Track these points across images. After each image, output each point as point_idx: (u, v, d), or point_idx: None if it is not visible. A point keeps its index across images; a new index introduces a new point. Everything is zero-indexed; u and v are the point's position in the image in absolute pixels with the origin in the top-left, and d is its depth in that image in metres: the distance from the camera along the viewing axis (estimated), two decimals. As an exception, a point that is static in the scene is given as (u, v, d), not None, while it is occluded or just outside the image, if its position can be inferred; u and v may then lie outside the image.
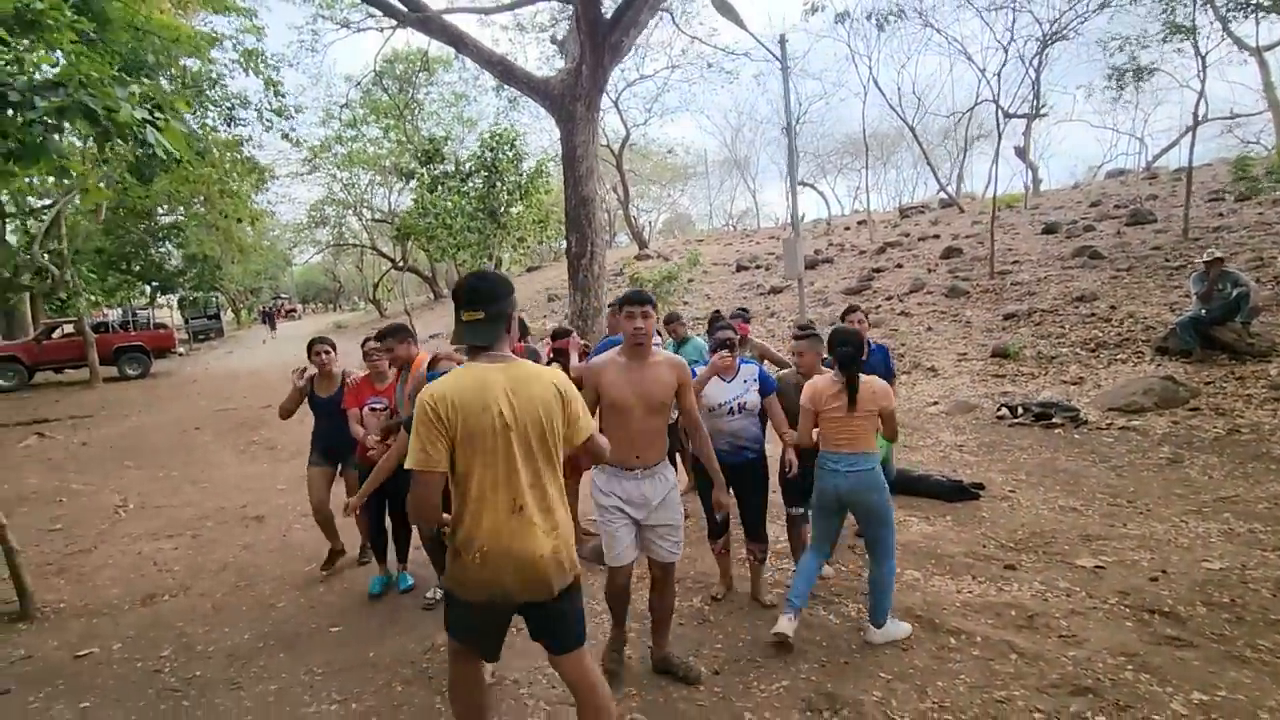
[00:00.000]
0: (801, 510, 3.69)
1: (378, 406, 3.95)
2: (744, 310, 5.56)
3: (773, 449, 3.71)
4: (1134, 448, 5.78)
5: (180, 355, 21.66)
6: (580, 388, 4.25)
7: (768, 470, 3.56)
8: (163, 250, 22.94)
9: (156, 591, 4.26)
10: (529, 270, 30.59)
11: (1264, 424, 5.81)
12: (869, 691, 2.77)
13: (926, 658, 3.00)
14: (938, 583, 3.68)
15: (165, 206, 14.82)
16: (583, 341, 4.94)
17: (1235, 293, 7.15)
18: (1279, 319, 7.68)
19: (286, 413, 4.29)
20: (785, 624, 3.10)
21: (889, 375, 4.20)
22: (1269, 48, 19.16)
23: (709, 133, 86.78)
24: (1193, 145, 12.28)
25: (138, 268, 22.28)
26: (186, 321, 29.55)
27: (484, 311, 1.93)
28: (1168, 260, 10.43)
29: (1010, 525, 4.40)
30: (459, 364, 2.54)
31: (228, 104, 14.22)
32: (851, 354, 3.08)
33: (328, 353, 4.26)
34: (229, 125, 14.74)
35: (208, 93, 14.19)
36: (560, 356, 4.46)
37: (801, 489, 3.54)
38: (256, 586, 4.26)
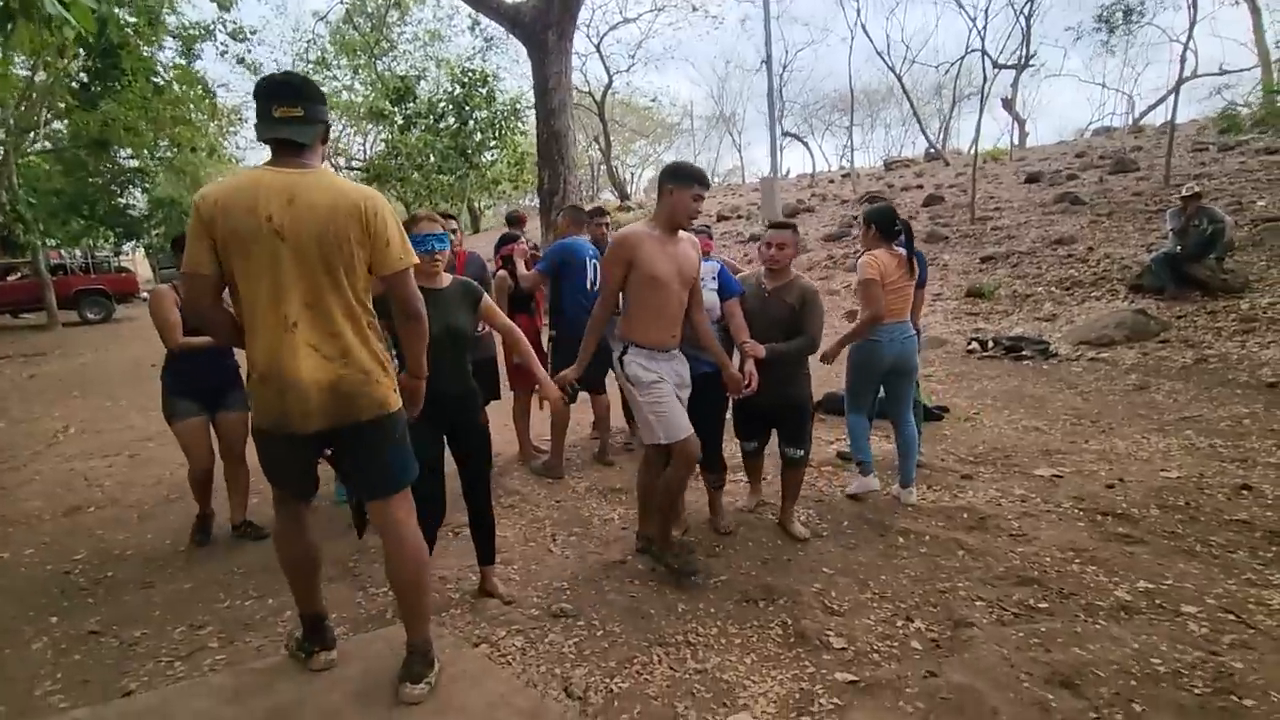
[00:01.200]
0: (755, 445, 3.29)
1: None
2: (706, 228, 5.25)
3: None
4: (1102, 376, 5.70)
5: (144, 300, 21.07)
6: (532, 294, 3.93)
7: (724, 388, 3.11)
8: (128, 196, 22.09)
9: (82, 504, 4.06)
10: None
11: (1232, 354, 5.75)
12: (808, 584, 2.66)
13: (873, 554, 2.90)
14: (893, 491, 3.57)
15: (121, 140, 14.05)
16: (530, 248, 4.67)
17: (1211, 228, 7.03)
18: (1253, 258, 7.60)
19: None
20: (873, 481, 3.50)
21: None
22: (1262, -4, 18.78)
23: (695, 83, 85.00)
24: (1177, 93, 12.04)
25: (101, 212, 21.45)
26: (155, 270, 28.68)
27: (304, 109, 1.72)
28: (1147, 205, 10.29)
29: (971, 442, 4.31)
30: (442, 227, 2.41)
31: (186, 33, 13.48)
32: (910, 227, 3.43)
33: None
34: (186, 58, 14.03)
35: (163, 22, 13.44)
36: (507, 264, 4.24)
37: (758, 417, 3.15)
38: (189, 498, 4.06)
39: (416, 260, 1.94)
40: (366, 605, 2.69)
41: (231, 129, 20.77)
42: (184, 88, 14.28)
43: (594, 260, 4.02)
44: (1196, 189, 7.22)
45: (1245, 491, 3.29)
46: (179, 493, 4.19)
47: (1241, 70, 22.27)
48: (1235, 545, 2.78)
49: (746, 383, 2.75)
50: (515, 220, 5.46)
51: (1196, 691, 1.91)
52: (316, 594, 2.09)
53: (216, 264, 1.69)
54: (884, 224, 3.39)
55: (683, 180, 2.58)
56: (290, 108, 1.71)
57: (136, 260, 27.17)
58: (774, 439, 3.24)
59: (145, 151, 18.39)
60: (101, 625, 2.64)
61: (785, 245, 2.97)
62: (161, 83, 13.05)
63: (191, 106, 13.57)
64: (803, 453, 3.08)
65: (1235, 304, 6.69)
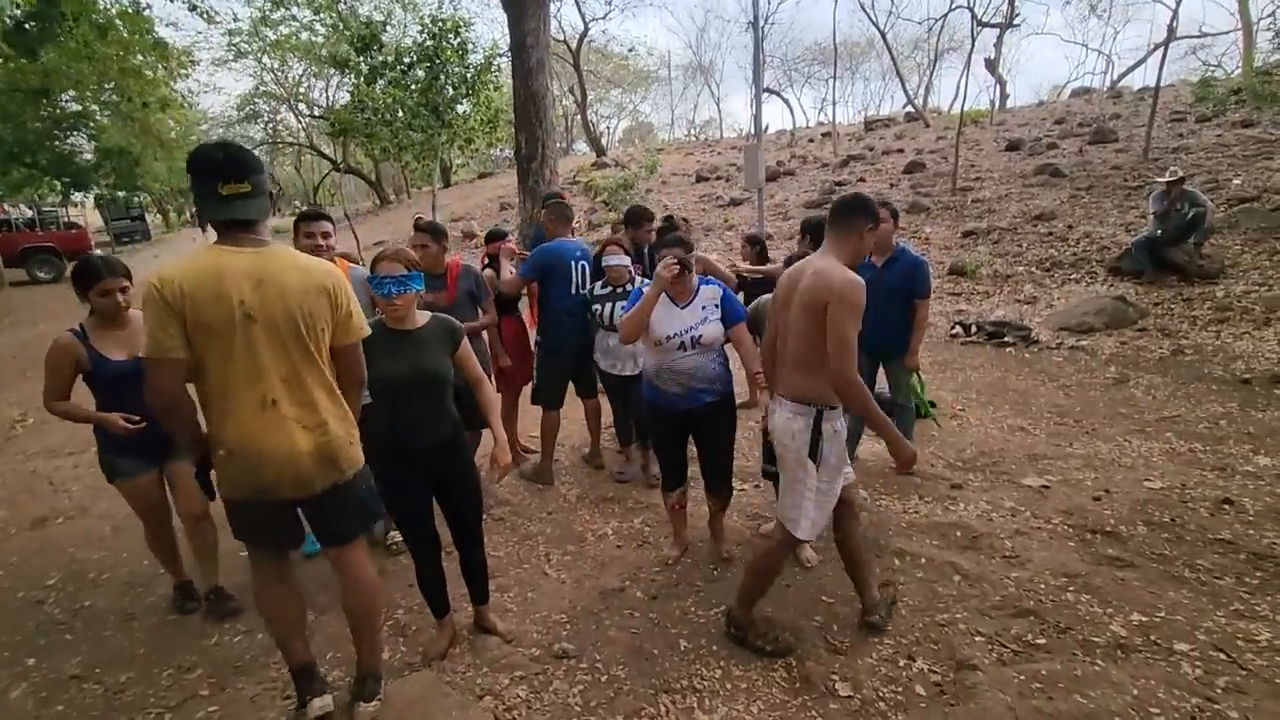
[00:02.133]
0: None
1: None
2: (677, 225, 4.97)
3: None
4: (1082, 367, 5.78)
5: (100, 259, 20.13)
6: (516, 297, 3.82)
7: (734, 411, 2.94)
8: (71, 143, 20.77)
9: (49, 514, 3.89)
10: (480, 176, 29.07)
11: (1206, 345, 5.86)
12: (809, 616, 2.66)
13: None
14: (885, 503, 3.59)
15: (64, 89, 13.11)
16: (517, 250, 4.44)
17: (1192, 213, 7.07)
18: (1229, 241, 7.71)
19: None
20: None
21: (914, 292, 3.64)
22: (1246, -40, 18.65)
23: (673, 31, 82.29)
24: (1164, 59, 11.99)
25: (44, 161, 20.18)
26: (107, 223, 27.29)
27: (250, 183, 1.73)
28: (1126, 180, 10.33)
29: (959, 445, 4.34)
30: (408, 267, 2.22)
31: (128, -31, 12.42)
32: None
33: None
34: (131, -2, 12.96)
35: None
36: (492, 263, 4.06)
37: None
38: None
39: (368, 331, 2.01)
40: (362, 642, 2.62)
41: (183, 71, 19.52)
42: (130, 30, 13.28)
43: (581, 263, 3.82)
44: (1180, 174, 7.23)
45: (1227, 506, 3.36)
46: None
47: (1221, 34, 22.27)
48: (1221, 570, 2.85)
49: (764, 415, 2.51)
50: (497, 235, 4.79)
51: (1196, 748, 1.96)
52: (305, 643, 2.12)
53: (188, 347, 1.68)
54: (817, 234, 3.59)
55: (873, 216, 2.26)
56: (238, 184, 1.70)
57: (87, 213, 25.82)
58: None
59: (88, 94, 17.23)
60: (83, 668, 2.55)
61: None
62: (103, 21, 12.09)
63: (140, 56, 12.62)
64: None
65: (1211, 291, 6.80)
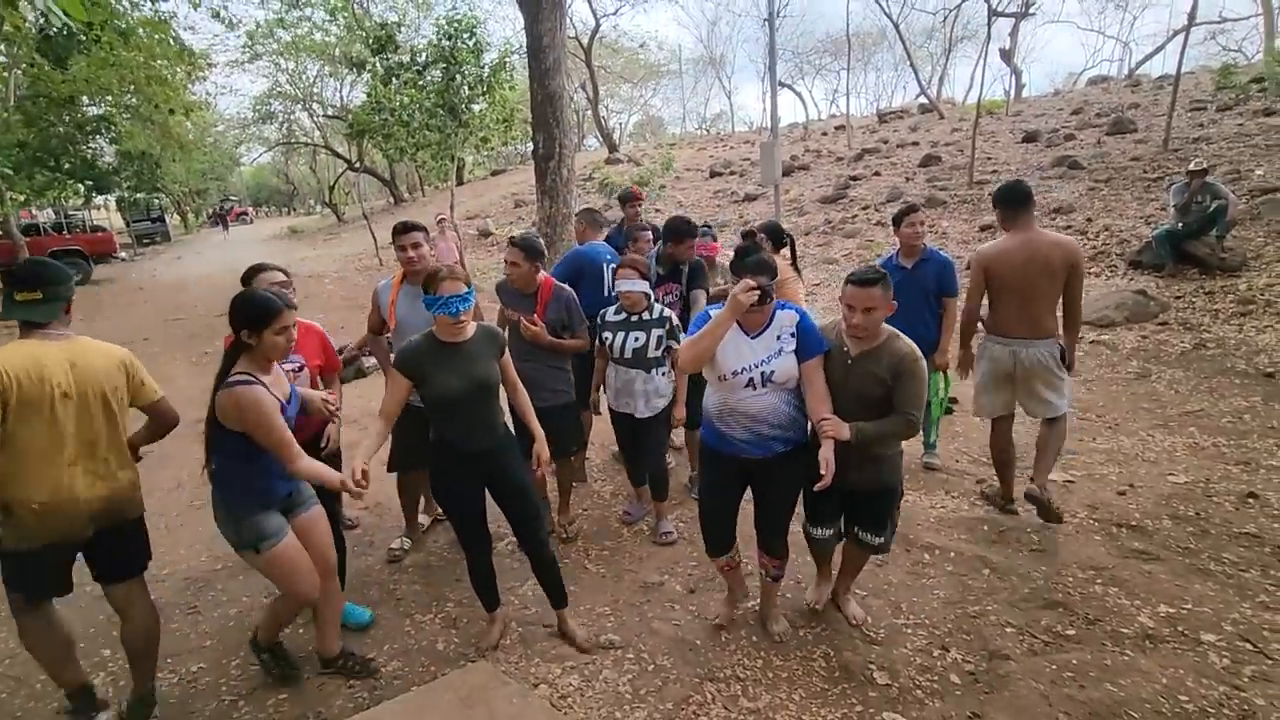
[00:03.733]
0: (829, 532, 2.62)
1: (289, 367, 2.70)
2: (708, 227, 4.58)
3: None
4: (1104, 362, 5.82)
5: (123, 260, 20.51)
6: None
7: (804, 461, 2.38)
8: (93, 146, 21.12)
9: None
10: (494, 174, 29.21)
11: (1229, 339, 5.87)
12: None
13: (901, 574, 3.01)
14: (912, 498, 3.67)
15: (91, 97, 13.37)
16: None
17: (1214, 205, 7.06)
18: (1251, 233, 7.67)
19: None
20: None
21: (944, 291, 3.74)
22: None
23: (684, 26, 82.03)
24: (1184, 47, 11.87)
25: (67, 165, 20.52)
26: (128, 224, 27.74)
27: (43, 292, 2.11)
28: (1146, 172, 10.27)
29: (982, 440, 4.37)
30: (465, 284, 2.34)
31: (149, -24, 12.63)
32: (794, 240, 3.90)
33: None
34: (153, 1, 13.18)
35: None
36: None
37: (834, 500, 2.50)
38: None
39: (161, 395, 2.39)
40: (415, 635, 2.76)
41: (200, 74, 19.80)
42: (151, 34, 13.51)
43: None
44: (1204, 164, 7.21)
45: (1251, 500, 3.42)
46: (202, 498, 4.20)
47: (1242, 19, 21.92)
48: (1247, 563, 2.92)
49: (822, 472, 2.16)
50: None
51: (1224, 733, 2.04)
52: (77, 666, 2.38)
53: (3, 423, 2.01)
54: (775, 236, 3.99)
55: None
56: (30, 293, 2.09)
57: (110, 216, 26.25)
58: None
59: (109, 98, 17.53)
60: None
61: (874, 308, 2.23)
62: (125, 27, 12.32)
63: (162, 62, 12.85)
64: (880, 540, 2.53)
65: (1233, 284, 6.79)
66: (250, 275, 2.80)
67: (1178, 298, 6.83)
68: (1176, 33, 12.41)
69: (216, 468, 2.22)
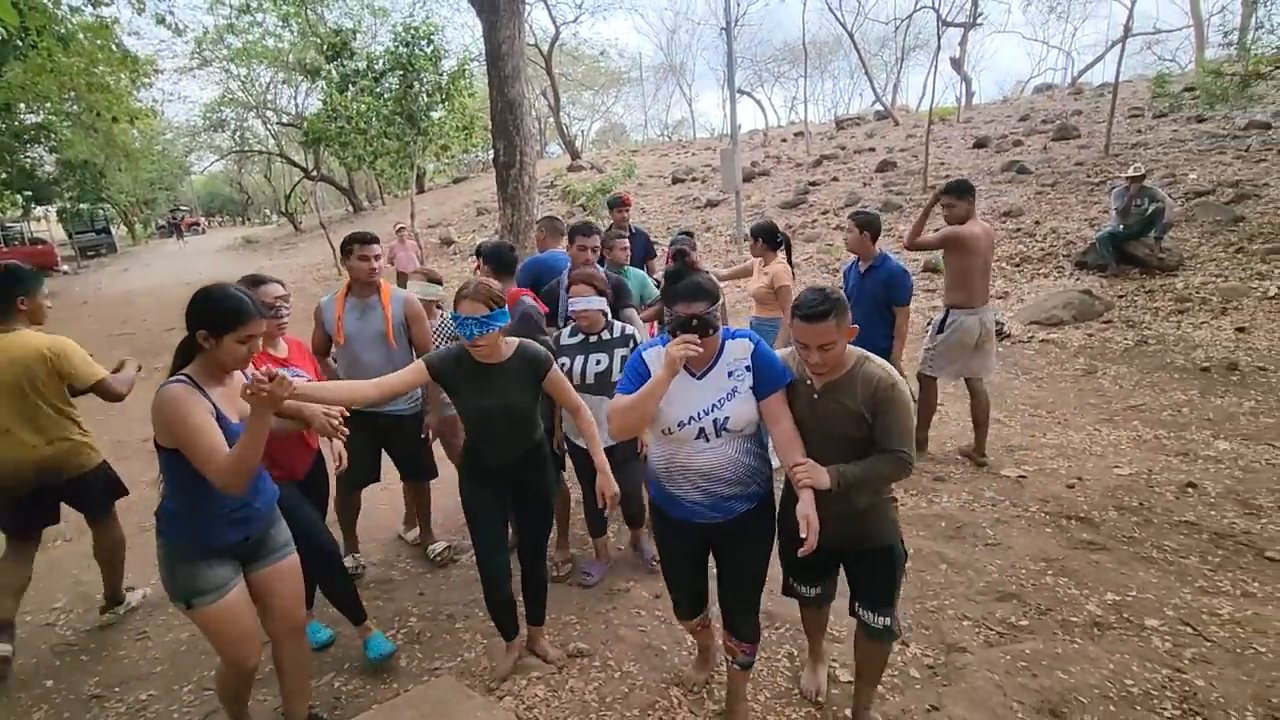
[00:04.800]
0: (817, 590, 2.19)
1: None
2: (688, 234, 4.56)
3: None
4: (1053, 360, 6.03)
5: (65, 274, 19.70)
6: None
7: (773, 519, 2.08)
8: (32, 155, 20.30)
9: (47, 536, 3.87)
10: (455, 181, 28.91)
11: (1168, 335, 6.14)
12: (808, 608, 2.80)
13: (862, 571, 3.06)
14: (872, 497, 3.74)
15: (28, 104, 12.84)
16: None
17: (1152, 208, 7.39)
18: (1187, 235, 8.04)
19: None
20: None
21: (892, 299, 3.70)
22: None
23: (644, 34, 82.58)
24: (1121, 58, 12.41)
25: (4, 175, 19.69)
26: (71, 236, 26.69)
27: None
28: (1089, 176, 10.70)
29: (940, 438, 4.52)
30: (490, 305, 2.12)
31: (90, -21, 12.20)
32: (789, 240, 3.98)
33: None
34: (93, 5, 12.74)
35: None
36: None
37: (820, 557, 1.87)
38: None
39: (101, 374, 2.82)
40: (369, 667, 2.70)
41: (146, 80, 19.22)
42: (93, 39, 13.04)
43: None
44: (1141, 170, 7.54)
45: (1190, 489, 3.58)
46: (153, 519, 4.05)
47: (1175, 30, 23.04)
48: (1186, 550, 3.05)
49: (803, 534, 1.76)
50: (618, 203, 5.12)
51: (1167, 715, 2.13)
52: (14, 605, 2.80)
53: None
54: (769, 237, 4.09)
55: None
56: None
57: (51, 228, 25.22)
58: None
59: (49, 107, 16.87)
60: (102, 687, 2.59)
61: (832, 342, 1.80)
62: (64, 32, 11.88)
63: (104, 68, 12.41)
64: (887, 621, 2.00)
65: (1171, 283, 7.11)
66: (251, 286, 2.53)
67: (1120, 297, 7.12)
68: (1114, 44, 13.00)
69: (162, 497, 1.91)
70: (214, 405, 1.83)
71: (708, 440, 1.93)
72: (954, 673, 2.38)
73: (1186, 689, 2.22)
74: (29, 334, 2.71)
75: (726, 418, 1.90)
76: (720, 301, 1.93)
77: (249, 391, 1.63)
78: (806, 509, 1.78)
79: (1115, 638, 2.51)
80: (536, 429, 2.41)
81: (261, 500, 2.00)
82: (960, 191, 4.00)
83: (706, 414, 1.91)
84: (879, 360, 1.92)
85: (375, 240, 3.09)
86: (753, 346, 1.95)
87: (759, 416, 1.95)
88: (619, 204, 5.10)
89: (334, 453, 2.40)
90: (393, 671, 2.58)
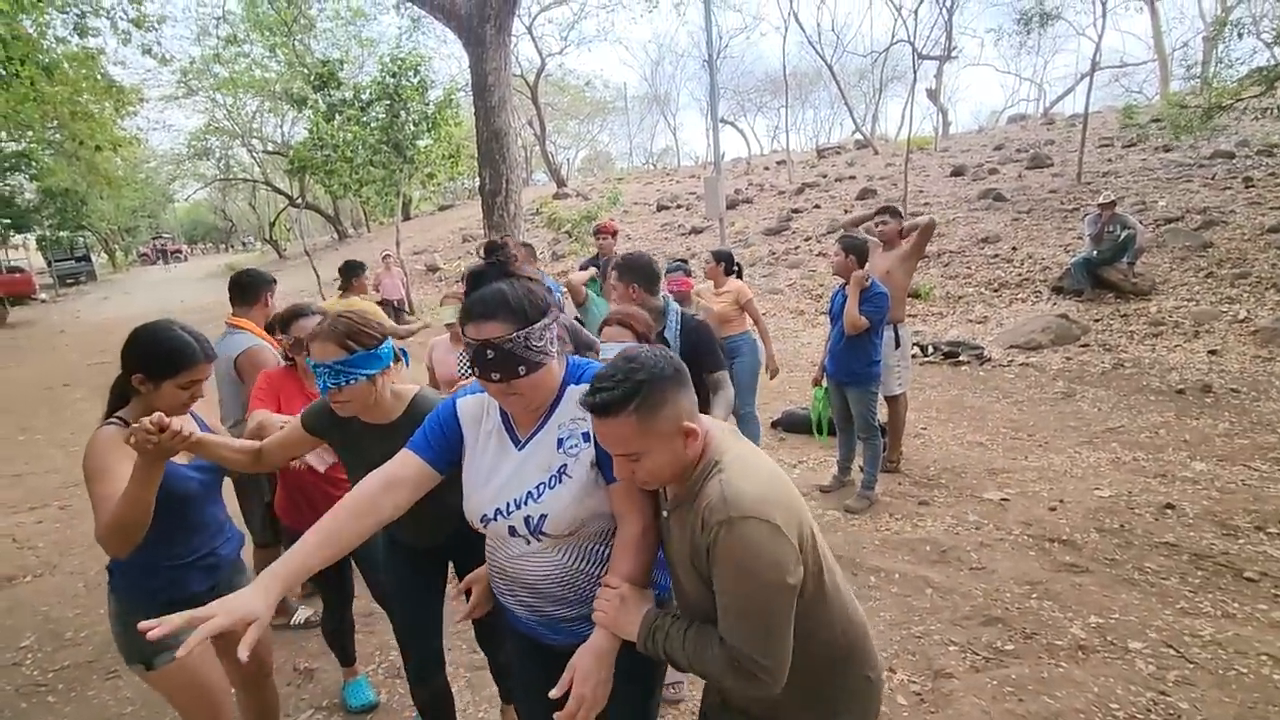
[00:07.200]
0: None
1: None
2: (683, 262, 4.35)
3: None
4: (1032, 383, 6.11)
5: (43, 302, 19.46)
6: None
7: (634, 660, 1.27)
8: (11, 183, 20.15)
9: (16, 573, 3.78)
10: (441, 209, 29.06)
11: (1144, 359, 6.26)
12: (794, 635, 2.78)
13: (848, 597, 3.05)
14: (858, 522, 3.75)
15: (10, 133, 12.79)
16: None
17: (1124, 234, 7.59)
18: (1159, 260, 8.25)
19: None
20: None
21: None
22: (1158, -2, 20.15)
23: (628, 65, 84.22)
24: (1090, 90, 12.83)
25: (-19, 203, 19.53)
26: (50, 264, 26.39)
27: None
28: (1063, 203, 10.97)
29: (923, 461, 4.55)
30: (350, 347, 1.65)
31: (75, 9, 12.27)
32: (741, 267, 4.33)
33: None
34: (79, 36, 12.79)
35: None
36: None
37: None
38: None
39: None
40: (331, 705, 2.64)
41: (130, 109, 19.24)
42: (78, 69, 13.06)
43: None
44: (1112, 198, 7.76)
45: (1169, 510, 3.62)
46: (126, 553, 3.96)
47: (1141, 64, 23.88)
48: (1167, 571, 3.07)
49: (552, 692, 1.17)
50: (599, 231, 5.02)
51: (1152, 738, 2.13)
52: None
53: None
54: (729, 262, 4.53)
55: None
56: None
57: (30, 255, 24.94)
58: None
59: (30, 133, 16.82)
60: (70, 730, 2.50)
61: (636, 453, 1.14)
62: (49, 61, 11.90)
63: (88, 97, 12.42)
64: None
65: (1145, 307, 7.27)
66: (287, 320, 2.39)
67: (1096, 320, 7.26)
68: (1083, 76, 13.44)
69: None
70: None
71: (528, 543, 1.32)
72: (941, 699, 2.37)
73: (1171, 711, 2.22)
74: None
75: (543, 516, 1.27)
76: (545, 323, 1.24)
77: (132, 441, 1.38)
78: (583, 659, 1.17)
79: (1100, 661, 2.52)
80: (448, 517, 1.69)
81: (228, 546, 1.86)
82: (893, 212, 4.47)
83: (516, 507, 1.29)
84: (732, 479, 1.10)
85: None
86: (582, 416, 1.28)
87: (605, 503, 1.29)
88: (597, 232, 4.95)
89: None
90: (374, 711, 2.52)
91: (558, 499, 1.28)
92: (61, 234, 25.05)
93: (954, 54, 20.26)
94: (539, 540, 1.31)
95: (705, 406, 2.50)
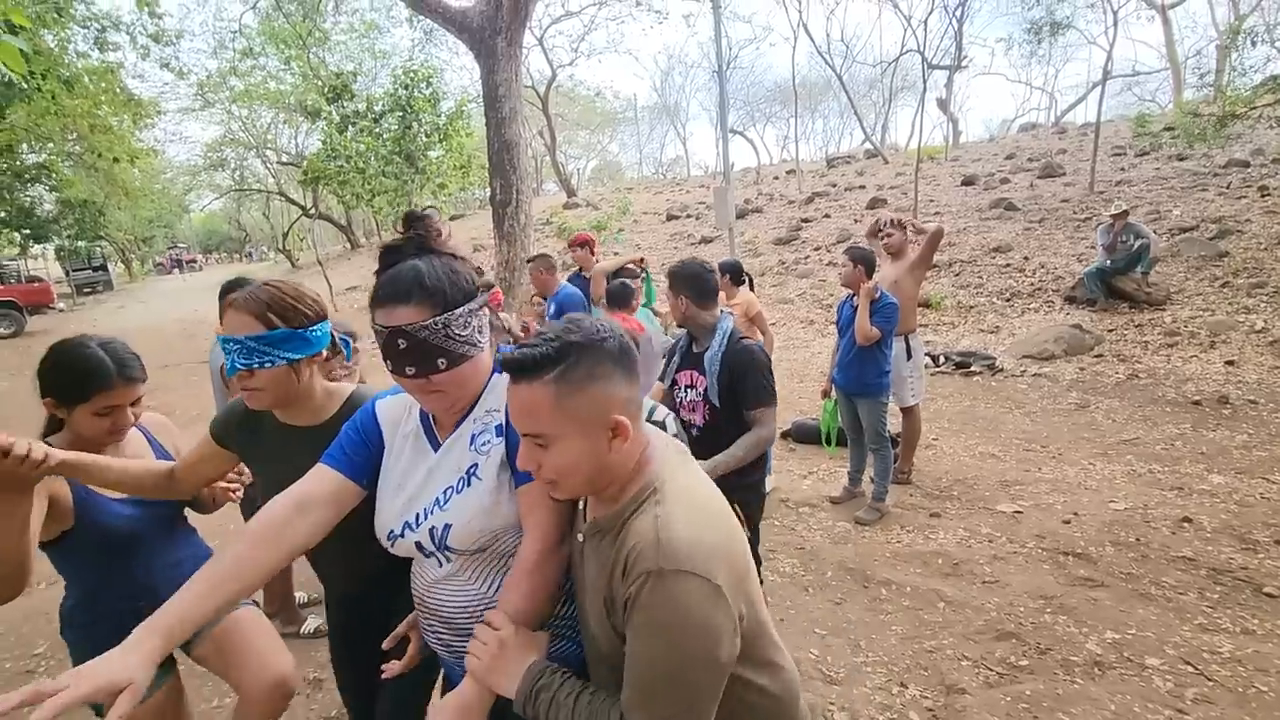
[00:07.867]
0: None
1: None
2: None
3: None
4: (1045, 394, 6.05)
5: (61, 311, 19.73)
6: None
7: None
8: (32, 194, 20.49)
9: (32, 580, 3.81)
10: (452, 218, 29.24)
11: (1159, 369, 6.19)
12: (805, 650, 2.76)
13: (860, 610, 3.02)
14: (869, 534, 3.72)
15: (30, 144, 13.04)
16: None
17: (1137, 244, 7.52)
18: (1173, 270, 8.17)
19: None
20: None
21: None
22: (1173, 5, 20.08)
23: (638, 76, 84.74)
24: (1102, 99, 12.81)
25: (3, 213, 19.85)
26: (68, 274, 26.78)
27: None
28: (1075, 213, 10.91)
29: (935, 473, 4.51)
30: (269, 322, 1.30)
31: (96, 24, 12.54)
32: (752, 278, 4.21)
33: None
34: (99, 50, 13.06)
35: (71, 10, 12.46)
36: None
37: None
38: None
39: None
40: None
41: (148, 121, 19.56)
42: (97, 82, 13.34)
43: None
44: (1124, 207, 7.71)
45: (1186, 524, 3.57)
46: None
47: (1153, 72, 23.76)
48: (1185, 586, 3.03)
49: None
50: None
51: (1171, 758, 2.09)
52: None
53: None
54: (735, 273, 4.43)
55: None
56: None
57: (48, 265, 25.33)
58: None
59: (50, 145, 17.14)
60: (81, 738, 2.51)
61: (541, 437, 0.92)
62: (69, 75, 12.16)
63: (107, 109, 12.67)
64: None
65: (1159, 317, 7.20)
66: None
67: (1110, 330, 7.19)
68: (1095, 85, 13.40)
69: (66, 592, 1.58)
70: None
71: (439, 565, 1.14)
72: (954, 715, 2.34)
73: (1190, 731, 2.18)
74: None
75: (447, 526, 1.10)
76: (470, 308, 1.08)
77: None
78: (442, 714, 0.98)
79: (1116, 677, 2.48)
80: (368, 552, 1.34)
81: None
82: (898, 224, 4.57)
83: (425, 517, 1.12)
84: (678, 508, 0.91)
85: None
86: (498, 420, 1.13)
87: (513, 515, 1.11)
88: (572, 243, 4.84)
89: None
90: None
91: (465, 505, 1.08)
92: (79, 244, 25.47)
93: (964, 63, 20.26)
94: (447, 559, 1.12)
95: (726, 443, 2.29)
